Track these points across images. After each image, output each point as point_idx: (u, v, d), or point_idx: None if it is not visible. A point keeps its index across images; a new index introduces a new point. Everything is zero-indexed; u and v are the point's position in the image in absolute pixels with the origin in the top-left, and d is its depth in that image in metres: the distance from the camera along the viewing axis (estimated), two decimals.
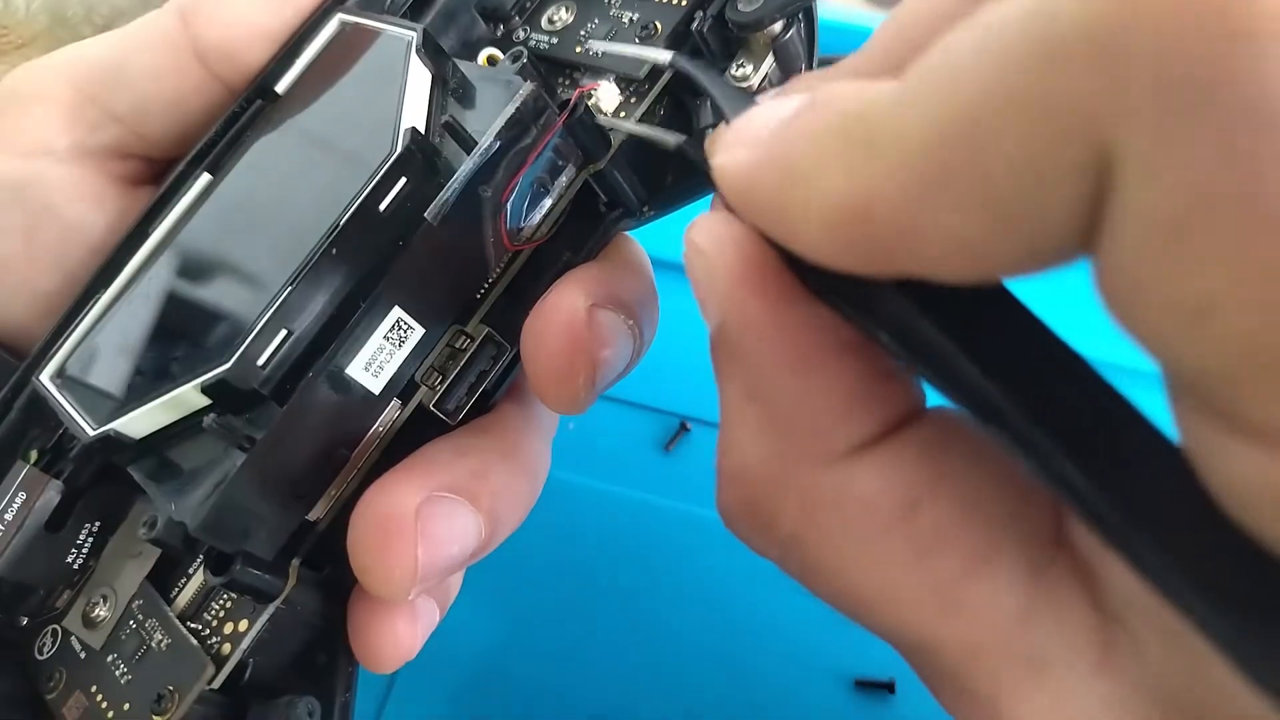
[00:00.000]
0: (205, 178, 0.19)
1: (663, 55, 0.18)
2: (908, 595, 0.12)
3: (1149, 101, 0.08)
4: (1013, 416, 0.10)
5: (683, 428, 0.37)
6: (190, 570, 0.19)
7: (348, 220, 0.16)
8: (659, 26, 0.20)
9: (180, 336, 0.17)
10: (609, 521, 0.36)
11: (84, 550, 0.19)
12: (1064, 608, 0.12)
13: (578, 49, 0.21)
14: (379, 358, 0.17)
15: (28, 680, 0.19)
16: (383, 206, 0.16)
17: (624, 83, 0.20)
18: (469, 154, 0.17)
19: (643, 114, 0.20)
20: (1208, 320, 0.08)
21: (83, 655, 0.19)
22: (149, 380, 0.17)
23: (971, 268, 0.10)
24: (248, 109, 0.20)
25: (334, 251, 0.16)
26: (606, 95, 0.19)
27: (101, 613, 0.19)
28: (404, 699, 0.32)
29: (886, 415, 0.13)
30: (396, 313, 0.17)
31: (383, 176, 0.16)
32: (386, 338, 0.17)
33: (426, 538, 0.16)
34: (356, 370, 0.17)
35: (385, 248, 0.16)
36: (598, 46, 0.20)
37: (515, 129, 0.17)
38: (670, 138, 0.18)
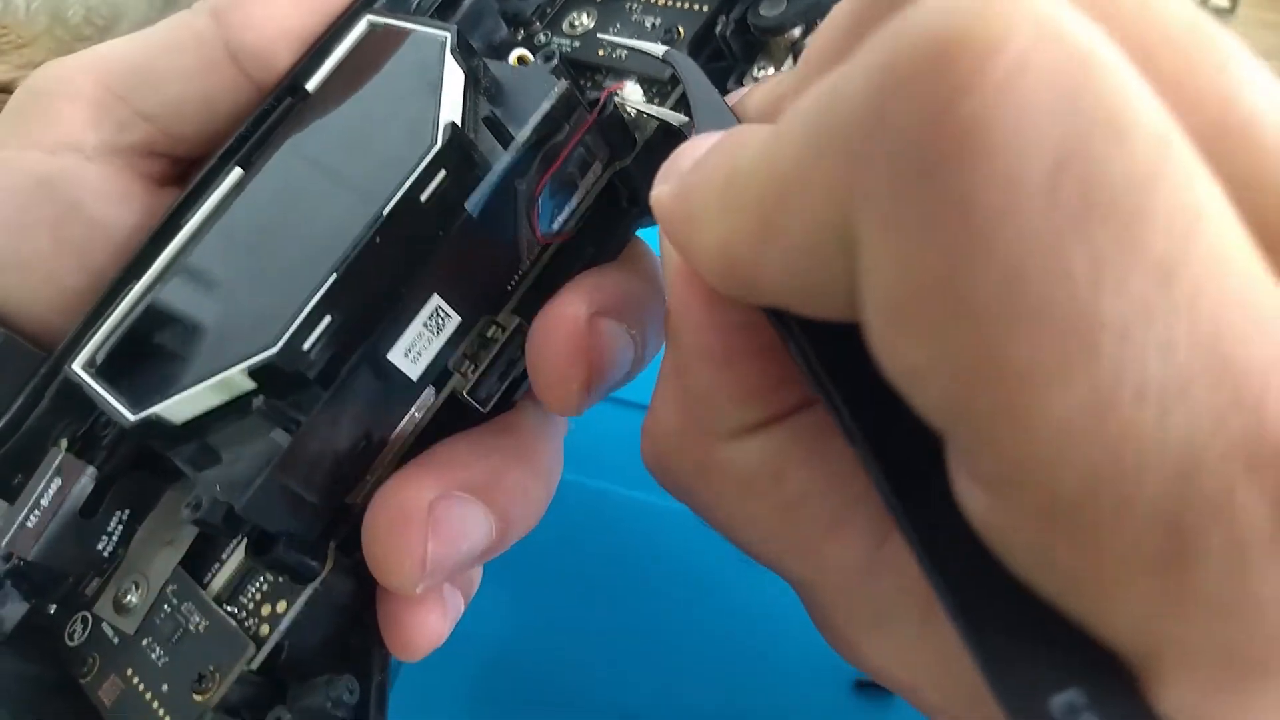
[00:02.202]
0: (237, 172, 0.19)
1: (657, 49, 0.19)
2: (777, 546, 0.15)
3: (880, 191, 0.09)
4: (850, 431, 0.13)
5: None
6: (224, 556, 0.19)
7: (391, 210, 0.16)
8: (681, 31, 0.20)
9: (220, 323, 0.17)
10: (608, 521, 0.36)
11: (114, 538, 0.19)
12: (901, 571, 0.14)
13: (600, 52, 0.21)
14: (418, 344, 0.18)
15: (58, 665, 0.19)
16: (424, 198, 0.17)
17: (647, 83, 0.20)
18: (506, 149, 0.17)
19: (668, 107, 0.20)
20: (921, 386, 0.10)
21: (116, 641, 0.19)
22: (189, 365, 0.17)
23: (811, 309, 0.12)
24: (278, 106, 0.20)
25: (377, 240, 0.16)
26: (631, 94, 0.20)
27: (133, 599, 0.19)
28: (403, 693, 0.32)
29: (776, 407, 0.15)
30: (435, 300, 0.18)
31: (424, 169, 0.17)
32: (425, 325, 0.18)
33: (437, 535, 0.17)
34: (397, 356, 0.17)
35: (426, 238, 0.17)
36: (606, 38, 0.21)
37: (549, 125, 0.18)
38: (675, 120, 0.19)
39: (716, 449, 0.15)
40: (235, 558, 0.19)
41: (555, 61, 0.19)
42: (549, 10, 0.22)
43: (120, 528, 0.19)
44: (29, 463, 0.19)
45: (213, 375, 0.16)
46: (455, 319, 0.18)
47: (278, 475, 0.16)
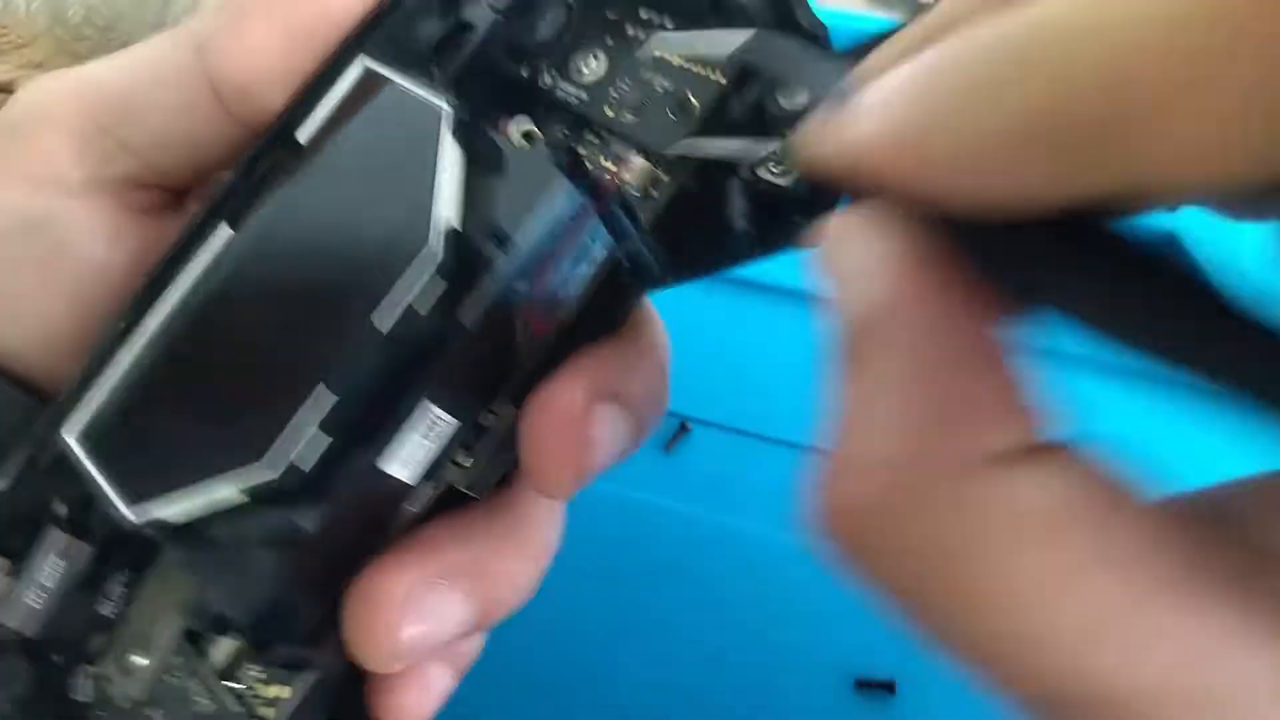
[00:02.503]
0: (226, 232, 0.19)
1: (735, 39, 0.17)
2: (1062, 623, 0.10)
3: None
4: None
5: (683, 428, 0.37)
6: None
7: (390, 332, 0.16)
8: (694, 101, 0.20)
9: (212, 413, 0.18)
10: (608, 521, 0.36)
11: (115, 599, 0.20)
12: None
13: (608, 110, 0.20)
14: (415, 453, 0.18)
15: (62, 709, 0.20)
16: (424, 312, 0.17)
17: (654, 158, 0.20)
18: (506, 253, 0.17)
19: (671, 193, 0.20)
20: None
21: (126, 706, 0.19)
22: (183, 459, 0.17)
23: (1220, 173, 0.08)
24: (267, 153, 0.19)
25: (377, 359, 0.17)
26: (633, 171, 0.20)
27: (139, 661, 0.19)
28: None
29: (1035, 429, 0.11)
30: (431, 410, 0.17)
31: (426, 284, 0.16)
32: (422, 434, 0.18)
33: (412, 621, 0.17)
34: (393, 466, 0.17)
35: (421, 349, 0.17)
36: (664, 37, 0.20)
37: (554, 232, 0.17)
38: (759, 150, 0.18)
39: (974, 483, 0.11)
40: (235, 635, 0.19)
41: (563, 157, 0.18)
42: (555, 45, 0.21)
43: (122, 589, 0.20)
44: (26, 522, 0.19)
45: (210, 483, 0.17)
46: (453, 424, 0.18)
47: (273, 592, 0.17)
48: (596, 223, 0.18)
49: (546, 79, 0.21)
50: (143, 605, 0.19)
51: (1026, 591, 0.10)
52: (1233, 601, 0.10)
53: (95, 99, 0.20)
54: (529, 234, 0.17)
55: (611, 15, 0.21)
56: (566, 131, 0.20)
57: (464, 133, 0.17)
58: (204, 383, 0.18)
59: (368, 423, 0.17)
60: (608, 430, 0.18)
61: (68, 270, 0.20)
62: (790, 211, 0.19)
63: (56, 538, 0.19)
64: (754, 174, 0.19)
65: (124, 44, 0.32)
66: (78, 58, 0.32)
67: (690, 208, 0.20)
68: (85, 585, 0.19)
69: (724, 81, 0.19)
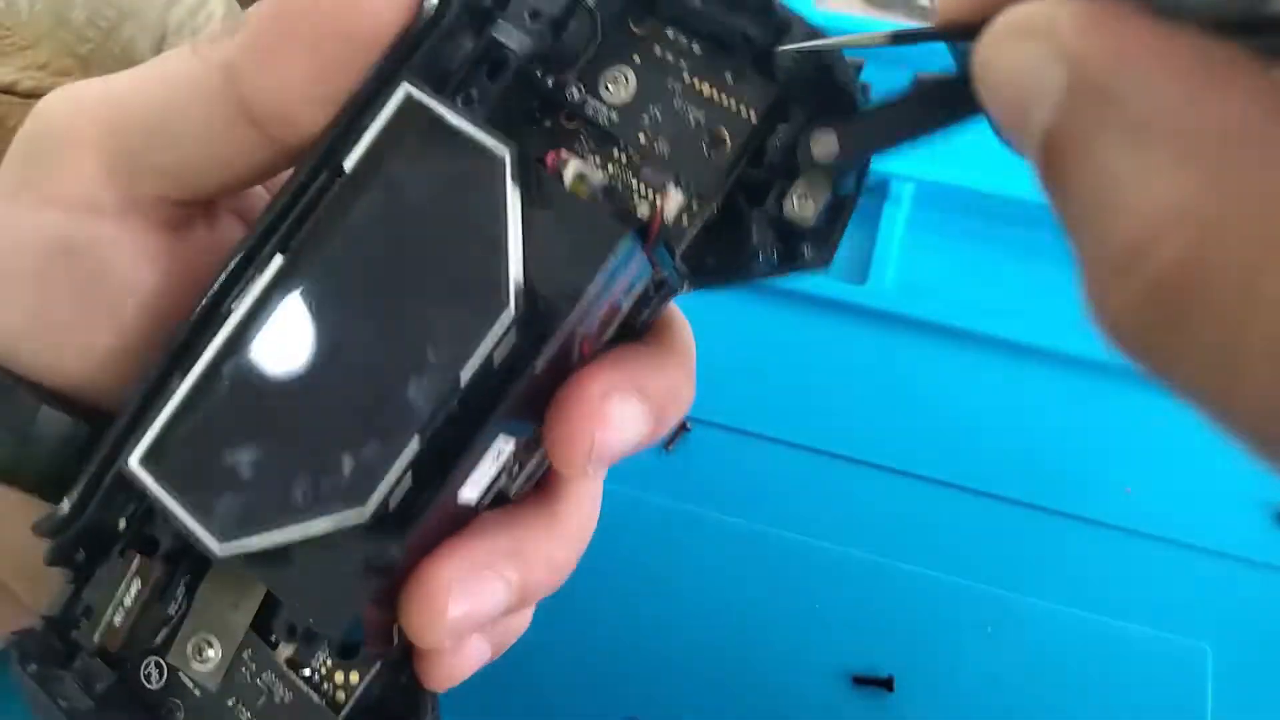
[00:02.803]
0: (278, 259, 0.19)
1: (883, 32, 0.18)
2: None
3: None
4: None
5: (683, 427, 0.37)
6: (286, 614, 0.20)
7: (468, 382, 0.18)
8: (727, 136, 0.20)
9: (301, 455, 0.18)
10: (608, 520, 0.36)
11: (180, 600, 0.20)
12: None
13: (641, 137, 0.20)
14: (482, 478, 0.19)
15: (139, 705, 0.20)
16: (497, 363, 0.18)
17: (687, 187, 0.20)
18: (574, 307, 0.18)
19: (702, 222, 0.20)
20: None
21: (198, 694, 0.20)
22: (273, 500, 0.18)
23: None
24: (313, 181, 0.19)
25: (453, 405, 0.18)
26: (673, 202, 0.20)
27: (210, 654, 0.20)
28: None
29: None
30: (499, 440, 0.19)
31: (499, 337, 0.18)
32: (489, 461, 0.19)
33: (459, 605, 0.19)
34: (464, 493, 0.19)
35: (494, 391, 0.18)
36: (795, 42, 0.20)
37: (616, 275, 0.19)
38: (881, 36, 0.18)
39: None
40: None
41: (625, 212, 0.19)
42: (583, 56, 0.21)
43: (184, 591, 0.20)
44: (89, 538, 0.20)
45: (304, 524, 0.18)
46: (512, 446, 0.19)
47: (362, 611, 0.18)
48: (644, 260, 0.19)
49: (574, 92, 0.21)
50: (204, 600, 0.20)
51: None
52: None
53: (122, 121, 0.20)
54: (595, 287, 0.18)
55: (639, 31, 0.21)
56: (595, 145, 0.21)
57: (522, 173, 0.18)
58: (286, 422, 0.18)
59: (445, 459, 0.18)
60: (624, 415, 0.19)
61: (107, 293, 0.20)
62: (807, 240, 0.20)
63: (131, 560, 0.20)
64: (779, 206, 0.19)
65: (127, 45, 0.32)
66: (80, 59, 0.32)
67: (715, 233, 0.20)
68: (159, 599, 0.20)
69: (756, 121, 0.20)
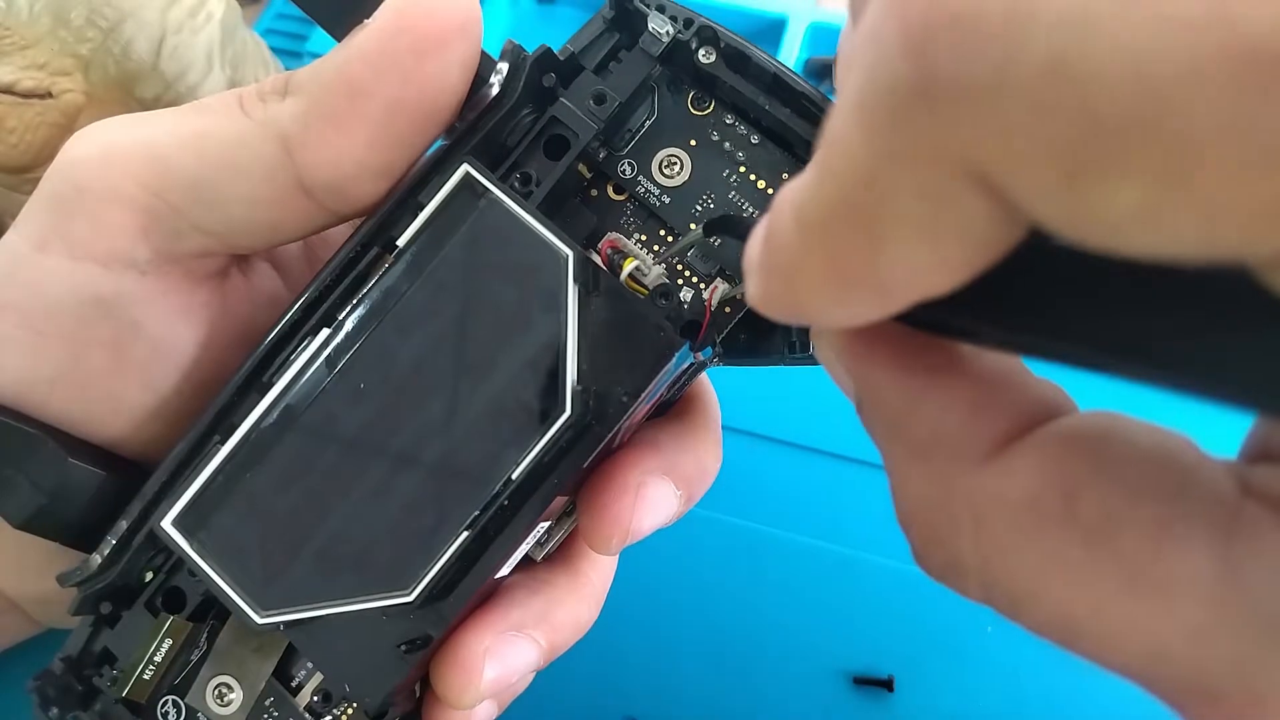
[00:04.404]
0: (324, 333, 0.19)
1: None
2: (1098, 592, 0.11)
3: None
4: (1107, 354, 0.11)
5: None
6: (310, 665, 0.20)
7: (519, 476, 0.18)
8: None
9: (349, 538, 0.18)
10: None
11: (203, 646, 0.21)
12: (1271, 553, 0.11)
13: (692, 226, 0.20)
14: (518, 556, 0.20)
15: None
16: (548, 459, 0.18)
17: (734, 279, 0.21)
18: (628, 408, 0.18)
19: (741, 313, 0.21)
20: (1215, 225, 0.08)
21: None
22: (318, 577, 0.18)
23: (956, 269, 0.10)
24: (364, 255, 0.19)
25: (505, 500, 0.18)
26: (718, 294, 0.21)
27: (232, 698, 0.20)
28: None
29: (1016, 413, 0.13)
30: (538, 523, 0.19)
31: (553, 434, 0.18)
32: (527, 541, 0.19)
33: (492, 670, 0.19)
34: (501, 571, 0.19)
35: (540, 484, 0.18)
36: None
37: (667, 375, 0.19)
38: None
39: (979, 482, 0.12)
40: (320, 676, 0.20)
41: (680, 318, 0.20)
42: (638, 133, 0.21)
43: (207, 636, 0.21)
44: (122, 592, 0.20)
45: (350, 603, 0.18)
46: (548, 524, 0.20)
47: (390, 675, 0.19)
48: (689, 354, 0.20)
49: (626, 168, 0.21)
50: (225, 644, 0.20)
51: (1054, 575, 0.12)
52: None
53: (164, 180, 0.19)
54: (648, 391, 0.19)
55: (697, 114, 0.21)
56: (640, 222, 0.21)
57: (581, 271, 0.18)
58: (331, 500, 0.18)
59: (487, 541, 0.19)
60: (658, 499, 0.20)
61: (139, 349, 0.20)
62: None
63: (164, 621, 0.20)
64: None
65: (126, 45, 0.32)
66: (80, 59, 0.32)
67: (749, 322, 0.21)
68: (185, 648, 0.21)
69: None
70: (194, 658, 0.20)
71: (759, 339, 0.21)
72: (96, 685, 0.20)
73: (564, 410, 0.18)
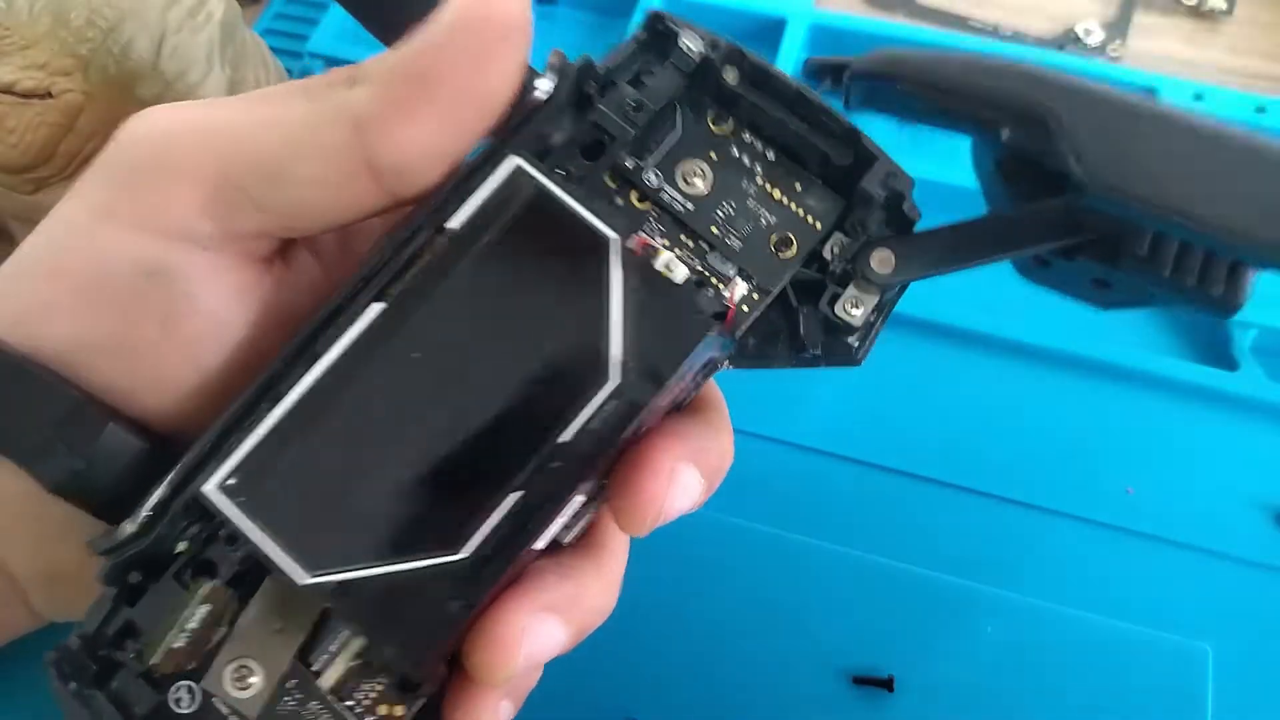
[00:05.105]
0: (376, 306, 0.19)
1: None
2: None
3: None
4: None
5: None
6: (333, 648, 0.20)
7: (567, 440, 0.19)
8: (794, 242, 0.22)
9: (398, 497, 0.19)
10: None
11: (225, 624, 0.20)
12: None
13: (714, 230, 0.22)
14: (554, 528, 0.20)
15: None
16: (595, 427, 0.19)
17: (751, 280, 0.22)
18: (662, 386, 0.19)
19: (761, 312, 0.22)
20: None
21: None
22: (367, 536, 0.19)
23: None
24: (415, 236, 0.20)
25: (554, 463, 0.19)
26: (737, 293, 0.22)
27: (253, 680, 0.20)
28: None
29: None
30: (576, 497, 0.20)
31: (599, 406, 0.19)
32: (564, 514, 0.20)
33: (526, 650, 0.20)
34: (538, 541, 0.20)
35: (584, 453, 0.19)
36: None
37: (696, 360, 0.20)
38: None
39: None
40: (347, 652, 0.20)
41: (710, 300, 0.21)
42: (663, 144, 0.22)
43: (229, 618, 0.20)
44: (152, 562, 0.20)
45: (400, 562, 0.18)
46: (582, 500, 0.21)
47: (439, 649, 0.19)
48: (718, 346, 0.21)
49: (651, 177, 0.22)
50: (246, 626, 0.20)
51: None
52: None
53: (233, 157, 0.20)
54: (682, 369, 0.20)
55: (717, 131, 0.23)
56: (665, 228, 0.22)
57: (623, 256, 0.20)
58: (383, 462, 0.19)
59: (528, 513, 0.19)
60: (688, 484, 0.21)
61: (190, 323, 0.20)
62: (848, 338, 0.22)
63: (202, 586, 0.20)
64: (830, 307, 0.22)
65: (126, 45, 0.32)
66: (80, 59, 0.32)
67: (768, 322, 0.23)
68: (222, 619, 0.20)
69: (823, 231, 0.22)
70: (214, 639, 0.20)
71: (766, 343, 0.23)
72: (117, 660, 0.20)
73: (609, 379, 0.19)
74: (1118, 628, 0.34)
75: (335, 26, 0.51)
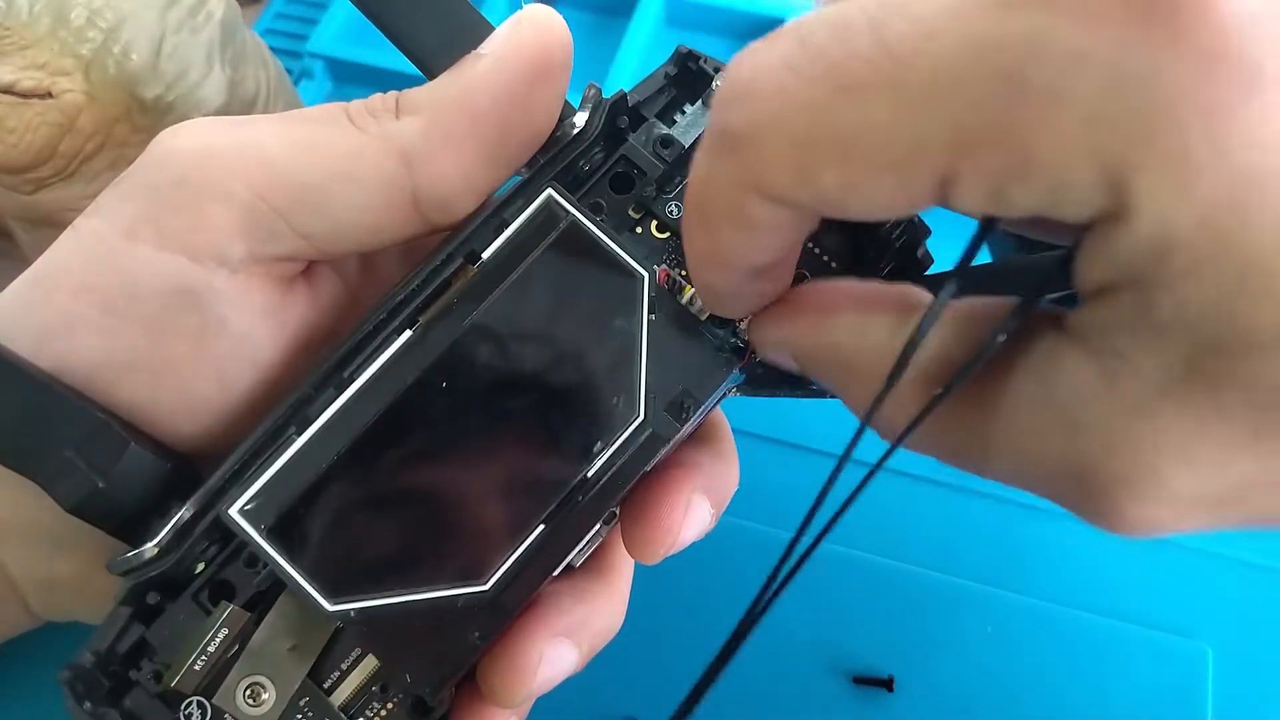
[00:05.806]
0: (406, 334, 0.19)
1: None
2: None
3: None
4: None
5: None
6: (344, 665, 0.20)
7: (592, 474, 0.19)
8: (809, 277, 0.22)
9: (426, 529, 0.19)
10: None
11: (239, 642, 0.20)
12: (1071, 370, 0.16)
13: None
14: (575, 555, 0.21)
15: None
16: (618, 461, 0.20)
17: None
18: (687, 421, 0.20)
19: None
20: None
21: None
22: (393, 567, 0.19)
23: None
24: (448, 264, 0.20)
25: (579, 497, 0.19)
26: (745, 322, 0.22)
27: (265, 698, 0.20)
28: None
29: (906, 306, 0.19)
30: (599, 525, 0.20)
31: (626, 441, 0.20)
32: (585, 540, 0.20)
33: (543, 673, 0.20)
34: (559, 569, 0.20)
35: (609, 483, 0.20)
36: None
37: (717, 395, 0.21)
38: None
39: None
40: (360, 671, 0.20)
41: (735, 345, 0.21)
42: (682, 181, 0.22)
43: (244, 633, 0.20)
44: (171, 583, 0.20)
45: (426, 592, 0.19)
46: (597, 528, 0.21)
47: (450, 662, 0.19)
48: (740, 375, 0.22)
49: (673, 209, 0.22)
50: (260, 643, 0.20)
51: None
52: None
53: (270, 181, 0.20)
54: (707, 405, 0.20)
55: None
56: (681, 258, 0.22)
57: (653, 293, 0.20)
58: (408, 492, 0.19)
59: (555, 542, 0.20)
60: (700, 516, 0.22)
61: (218, 344, 0.20)
62: None
63: (223, 609, 0.20)
64: None
65: (126, 46, 0.32)
66: (80, 59, 0.32)
67: None
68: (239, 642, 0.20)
69: (836, 268, 0.23)
70: (228, 657, 0.20)
71: (774, 371, 0.23)
72: (131, 679, 0.20)
73: (637, 415, 0.20)
74: (1118, 628, 0.34)
75: (335, 26, 0.51)
